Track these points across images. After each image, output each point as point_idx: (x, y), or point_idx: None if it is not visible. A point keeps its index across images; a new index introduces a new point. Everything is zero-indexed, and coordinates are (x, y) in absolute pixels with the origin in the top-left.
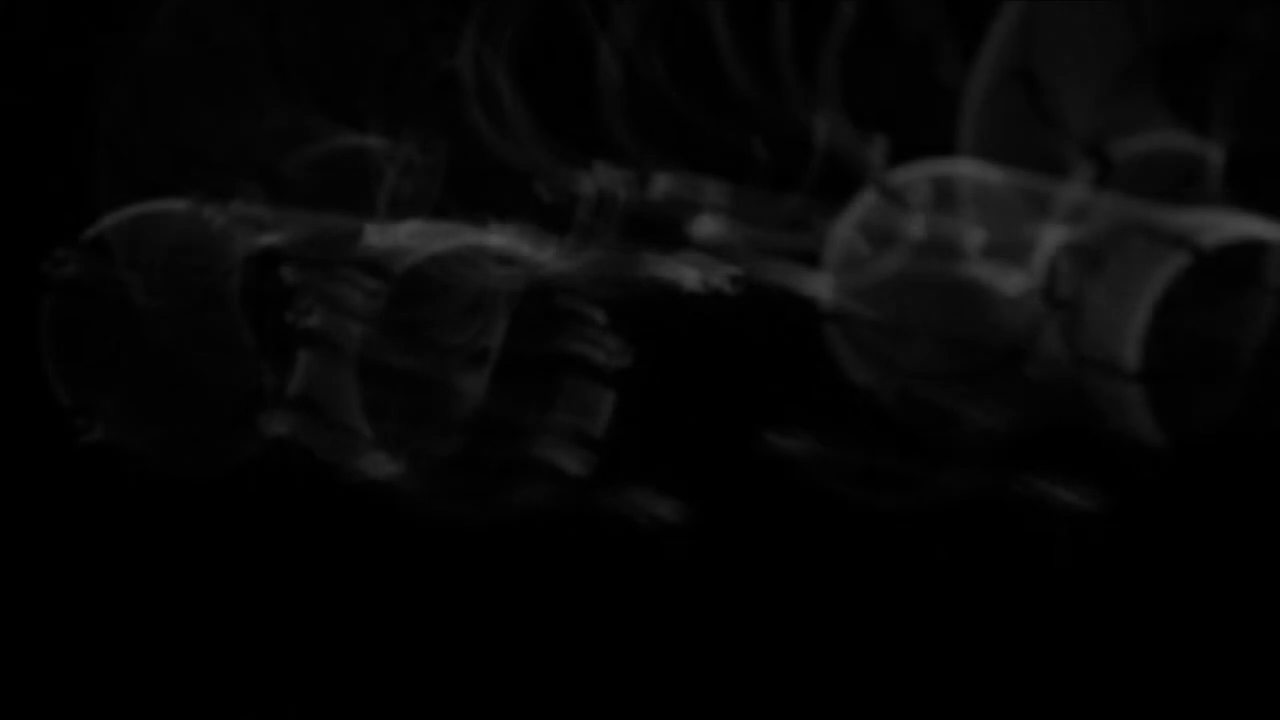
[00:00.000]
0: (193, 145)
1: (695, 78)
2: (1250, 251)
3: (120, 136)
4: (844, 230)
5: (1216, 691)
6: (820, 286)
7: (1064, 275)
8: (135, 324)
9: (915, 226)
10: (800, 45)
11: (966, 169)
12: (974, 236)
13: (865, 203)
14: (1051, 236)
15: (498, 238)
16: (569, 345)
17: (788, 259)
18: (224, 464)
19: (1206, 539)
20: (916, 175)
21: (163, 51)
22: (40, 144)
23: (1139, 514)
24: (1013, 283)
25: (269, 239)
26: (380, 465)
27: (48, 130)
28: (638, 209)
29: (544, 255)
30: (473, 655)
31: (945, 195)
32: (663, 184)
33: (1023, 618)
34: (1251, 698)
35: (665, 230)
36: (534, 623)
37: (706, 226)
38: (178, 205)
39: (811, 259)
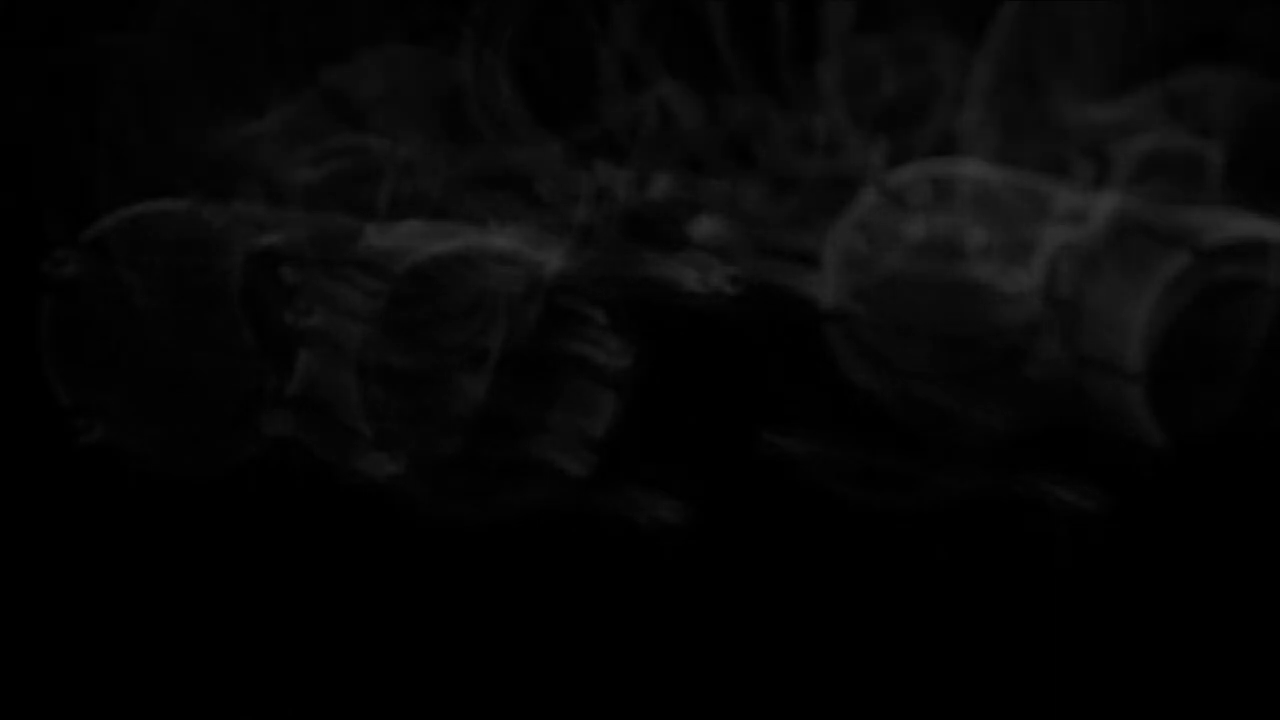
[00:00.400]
0: (193, 145)
1: (695, 78)
2: (1250, 251)
3: (120, 136)
4: (844, 230)
5: (1217, 691)
6: (820, 286)
7: (1064, 275)
8: (135, 324)
9: (915, 226)
10: (801, 45)
11: (966, 169)
12: (974, 236)
13: (865, 203)
14: (1051, 236)
15: (498, 238)
16: (569, 345)
17: (788, 259)
18: (224, 464)
19: (1207, 539)
20: (916, 175)
21: (163, 51)
22: (40, 144)
23: (1139, 514)
24: (1013, 283)
25: (269, 239)
26: (380, 465)
27: (48, 130)
28: (638, 209)
29: (544, 255)
30: (473, 655)
31: (945, 195)
32: (663, 184)
33: (1023, 618)
34: (1252, 697)
35: (665, 230)
36: (534, 623)
37: (706, 226)
38: (178, 205)
39: (811, 259)
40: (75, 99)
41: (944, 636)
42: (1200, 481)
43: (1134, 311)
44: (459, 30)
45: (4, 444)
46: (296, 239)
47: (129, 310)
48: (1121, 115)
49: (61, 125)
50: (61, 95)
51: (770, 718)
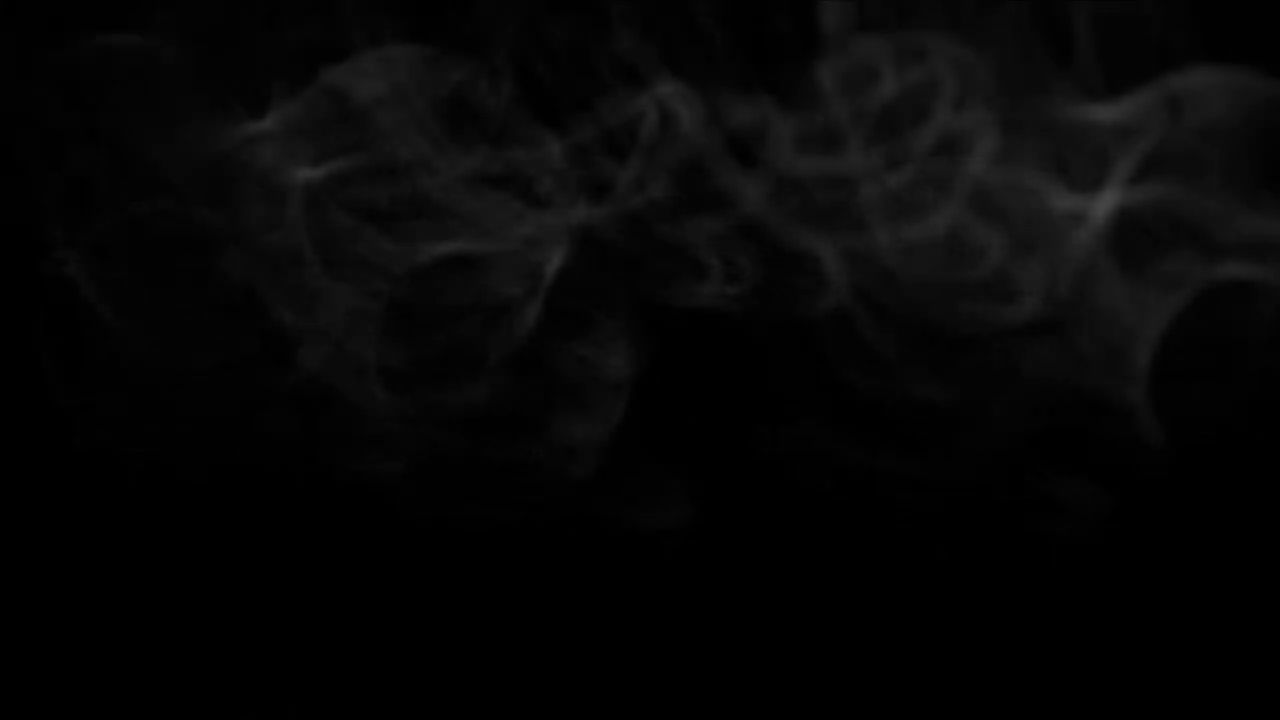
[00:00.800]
0: (193, 145)
1: (695, 78)
2: (1252, 251)
3: (120, 136)
4: (844, 230)
5: (1219, 691)
6: (820, 286)
7: (1064, 275)
8: (135, 324)
9: (916, 226)
10: (801, 45)
11: (967, 169)
12: (974, 236)
13: (866, 203)
14: (1052, 236)
15: (498, 237)
16: (569, 345)
17: (788, 259)
18: (224, 463)
19: (1209, 540)
20: (916, 175)
21: (163, 51)
22: (40, 144)
23: (1140, 514)
24: (1013, 283)
25: (270, 238)
26: (380, 465)
27: (48, 130)
28: (638, 209)
29: (544, 255)
30: (473, 656)
31: (946, 195)
32: (663, 184)
33: (1024, 618)
34: (1254, 698)
35: (665, 230)
36: (534, 624)
37: (704, 225)
38: (178, 204)
39: (811, 259)
40: (75, 99)
41: (945, 637)
42: (1202, 482)
43: (1135, 311)
44: (459, 30)
45: (2, 445)
46: (296, 239)
47: (128, 310)
48: (1121, 115)
49: (61, 125)
50: (61, 95)
51: (771, 717)
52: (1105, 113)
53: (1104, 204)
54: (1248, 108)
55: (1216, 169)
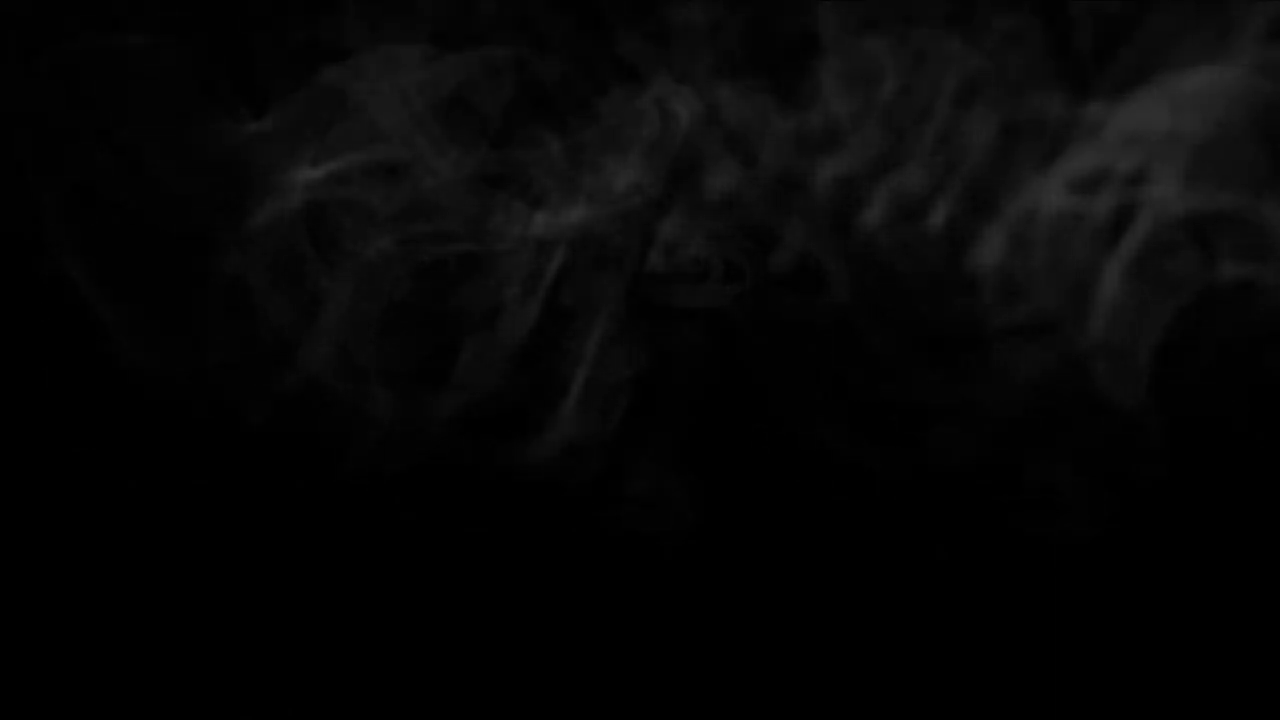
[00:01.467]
0: (194, 145)
1: (696, 76)
2: (1253, 250)
3: (122, 136)
4: (845, 230)
5: (1219, 692)
6: (822, 285)
7: (1066, 274)
8: (135, 324)
9: (916, 225)
10: (802, 44)
11: (967, 168)
12: (975, 235)
13: (867, 202)
14: (1054, 236)
15: (498, 236)
16: (571, 345)
17: (788, 258)
18: (224, 462)
19: (1210, 540)
20: (917, 174)
21: (162, 50)
22: (40, 144)
23: (1141, 514)
24: (1014, 281)
25: (268, 239)
26: (381, 465)
27: (48, 130)
28: (638, 208)
29: (546, 254)
30: (473, 657)
31: (946, 194)
32: (663, 184)
33: (1023, 618)
34: (1254, 699)
35: (667, 230)
36: (535, 627)
37: (706, 225)
38: (177, 202)
39: (813, 258)
40: (75, 99)
41: (944, 637)
42: (1202, 482)
43: (1135, 311)
44: (459, 30)
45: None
46: (297, 240)
47: (129, 310)
48: (1121, 115)
49: (61, 125)
50: (61, 95)
51: (772, 718)
52: (1105, 113)
53: (1104, 204)
54: (1249, 108)
55: (1217, 169)
